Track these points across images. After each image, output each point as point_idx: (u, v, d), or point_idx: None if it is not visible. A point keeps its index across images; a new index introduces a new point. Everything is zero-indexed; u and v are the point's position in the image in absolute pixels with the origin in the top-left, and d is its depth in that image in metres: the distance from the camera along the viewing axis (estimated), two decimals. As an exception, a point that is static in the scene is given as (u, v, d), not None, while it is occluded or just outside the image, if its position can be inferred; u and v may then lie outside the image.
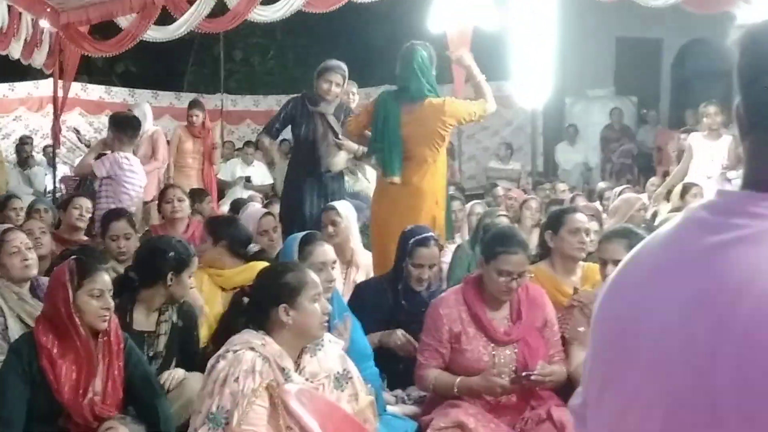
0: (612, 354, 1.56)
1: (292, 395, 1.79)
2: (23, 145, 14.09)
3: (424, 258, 6.19)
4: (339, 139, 8.15)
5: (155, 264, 5.55)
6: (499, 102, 8.13)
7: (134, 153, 9.84)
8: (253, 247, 6.60)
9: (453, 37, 11.18)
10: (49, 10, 10.62)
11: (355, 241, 7.14)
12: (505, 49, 10.06)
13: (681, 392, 1.40)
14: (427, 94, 7.47)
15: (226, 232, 6.62)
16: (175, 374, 5.31)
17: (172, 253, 5.69)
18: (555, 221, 6.45)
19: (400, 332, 5.80)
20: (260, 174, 14.53)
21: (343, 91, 8.27)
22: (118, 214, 7.46)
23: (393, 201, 7.43)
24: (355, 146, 8.13)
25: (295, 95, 8.63)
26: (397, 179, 7.38)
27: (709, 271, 1.41)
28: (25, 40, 10.64)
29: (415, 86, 7.46)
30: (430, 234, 6.39)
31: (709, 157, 10.53)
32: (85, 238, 8.26)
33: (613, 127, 18.10)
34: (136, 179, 9.23)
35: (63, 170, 13.65)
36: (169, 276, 5.44)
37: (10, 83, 16.82)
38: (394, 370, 5.92)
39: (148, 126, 12.35)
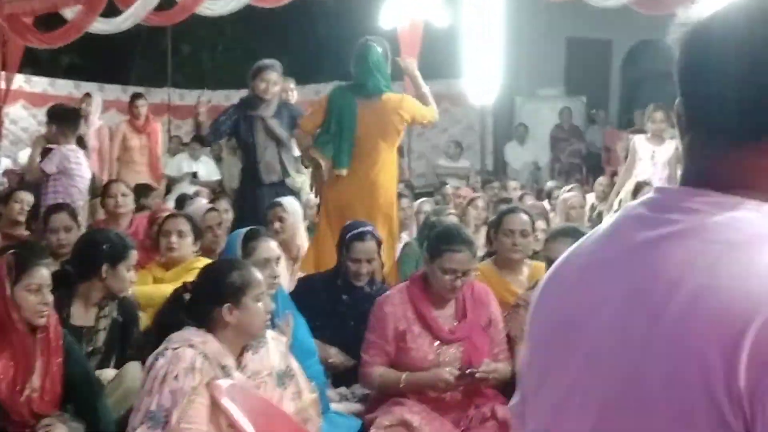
0: (549, 349, 1.57)
1: (223, 391, 1.77)
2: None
3: (361, 252, 6.25)
4: (285, 144, 8.18)
5: (90, 256, 5.56)
6: (449, 100, 8.25)
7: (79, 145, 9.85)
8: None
9: (404, 33, 11.22)
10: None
11: (302, 237, 7.13)
12: (456, 47, 10.12)
13: (615, 386, 1.41)
14: (384, 90, 7.54)
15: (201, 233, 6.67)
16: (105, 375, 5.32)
17: (106, 245, 5.69)
18: (496, 222, 6.53)
19: (334, 350, 5.81)
20: (207, 169, 14.50)
21: (281, 88, 8.23)
22: (59, 206, 7.47)
23: (345, 194, 7.49)
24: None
25: (229, 110, 8.59)
26: (344, 172, 7.45)
27: (643, 267, 1.42)
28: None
29: (372, 83, 7.53)
30: (367, 228, 6.46)
31: (651, 160, 10.66)
32: (27, 233, 8.21)
33: (562, 127, 18.27)
34: (84, 172, 9.24)
35: (5, 163, 13.55)
36: (104, 268, 5.41)
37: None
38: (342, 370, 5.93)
39: (96, 119, 12.36)
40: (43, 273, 4.87)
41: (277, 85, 8.12)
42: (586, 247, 1.60)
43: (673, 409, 1.31)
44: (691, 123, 1.50)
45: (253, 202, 8.11)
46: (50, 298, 4.88)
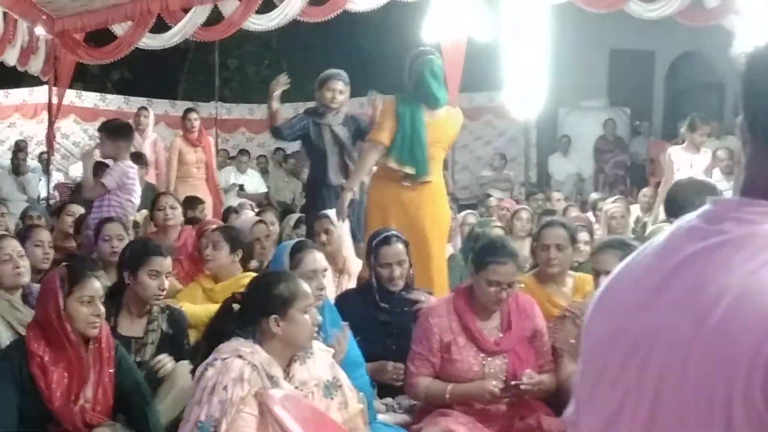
0: (604, 359, 1.58)
1: (276, 400, 1.79)
2: (18, 151, 14.04)
3: (389, 256, 6.21)
4: (348, 152, 8.18)
5: (119, 265, 5.71)
6: (492, 112, 8.25)
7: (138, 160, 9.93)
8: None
9: (447, 46, 11.19)
10: (44, 17, 10.61)
11: (348, 249, 7.14)
12: (499, 60, 10.07)
13: (662, 392, 1.43)
14: (446, 103, 7.59)
15: (244, 244, 6.64)
16: (165, 361, 5.34)
17: (126, 252, 5.83)
18: (536, 235, 6.53)
19: (390, 365, 5.74)
20: (254, 182, 14.53)
21: (346, 98, 8.21)
22: (111, 218, 7.51)
23: (405, 202, 7.46)
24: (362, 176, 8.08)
25: (300, 114, 8.54)
26: (429, 178, 7.46)
27: (693, 275, 1.44)
28: (21, 47, 10.62)
29: (441, 94, 7.54)
30: (392, 232, 6.44)
31: (690, 169, 10.56)
32: (77, 245, 8.23)
33: (606, 138, 18.18)
34: (137, 187, 9.27)
35: (57, 177, 13.63)
36: (126, 275, 5.49)
37: (5, 90, 16.86)
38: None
39: (151, 132, 12.44)
40: (95, 285, 4.90)
41: (343, 93, 8.09)
42: (641, 259, 1.60)
43: (703, 411, 1.34)
44: (753, 136, 1.50)
45: (322, 203, 8.05)
46: (102, 309, 4.91)
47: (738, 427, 1.30)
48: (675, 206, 4.74)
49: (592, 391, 1.60)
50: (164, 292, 5.68)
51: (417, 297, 6.33)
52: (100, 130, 9.86)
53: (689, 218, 1.55)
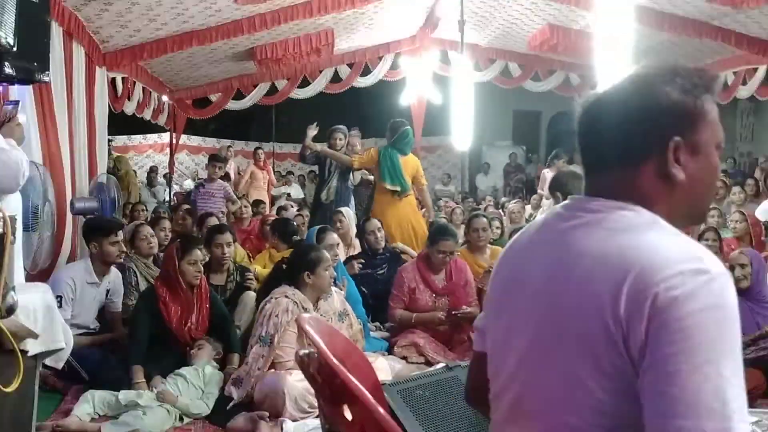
0: (503, 294, 1.55)
1: (306, 321, 1.80)
2: (151, 173, 14.03)
3: (369, 227, 6.49)
4: (345, 177, 8.16)
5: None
6: (442, 148, 8.25)
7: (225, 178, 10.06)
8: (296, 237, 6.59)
9: (415, 106, 11.22)
10: (168, 90, 10.60)
11: (353, 231, 7.11)
12: (447, 114, 9.99)
13: (543, 316, 1.39)
14: (409, 151, 7.64)
15: (280, 230, 6.63)
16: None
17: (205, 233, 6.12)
18: (468, 223, 6.47)
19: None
20: (296, 191, 14.61)
21: (345, 142, 8.15)
22: (210, 213, 7.59)
23: (396, 207, 7.43)
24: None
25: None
26: (410, 193, 7.51)
27: (562, 244, 1.41)
28: (153, 108, 10.60)
29: (408, 150, 7.59)
30: (369, 217, 6.86)
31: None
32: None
33: (510, 165, 18.20)
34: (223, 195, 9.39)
35: (175, 188, 13.63)
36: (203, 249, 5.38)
37: (144, 135, 16.87)
38: (376, 310, 5.84)
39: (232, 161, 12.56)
40: (198, 253, 4.89)
41: (341, 141, 7.99)
42: (527, 232, 1.57)
43: (579, 328, 1.31)
44: (587, 159, 1.49)
45: (322, 210, 8.03)
46: (201, 268, 4.92)
47: (593, 336, 1.28)
48: (559, 185, 4.74)
49: (497, 311, 1.56)
50: (226, 256, 5.61)
51: (394, 249, 6.55)
52: (209, 159, 10.01)
53: (556, 208, 1.53)
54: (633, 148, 1.40)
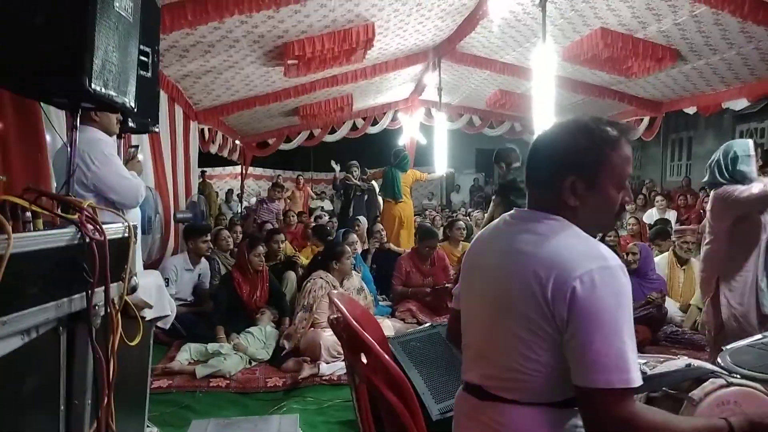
0: (469, 273, 1.52)
1: (334, 294, 1.79)
2: (228, 193, 13.95)
3: (374, 233, 6.55)
4: (361, 200, 8.11)
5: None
6: (428, 173, 8.24)
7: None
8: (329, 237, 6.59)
9: (407, 145, 11.20)
10: (239, 136, 10.59)
11: (365, 233, 7.10)
12: (430, 151, 10.00)
13: (495, 297, 1.37)
14: (408, 170, 7.56)
15: (318, 233, 6.61)
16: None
17: (264, 235, 6.04)
18: (448, 226, 6.43)
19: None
20: (327, 205, 14.51)
21: (359, 171, 8.14)
22: (267, 221, 7.56)
23: (396, 213, 7.37)
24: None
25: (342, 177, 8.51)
26: (402, 200, 7.43)
27: (508, 243, 1.38)
28: (228, 148, 10.55)
29: (407, 168, 7.53)
30: (377, 224, 6.90)
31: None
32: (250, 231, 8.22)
33: (474, 186, 18.17)
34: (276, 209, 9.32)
35: (245, 203, 13.53)
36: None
37: (223, 167, 16.76)
38: (383, 287, 5.81)
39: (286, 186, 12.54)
40: (260, 248, 4.90)
41: (356, 170, 7.98)
42: (487, 230, 1.53)
43: (520, 306, 1.30)
44: (530, 179, 1.45)
45: (346, 218, 8.02)
46: (262, 258, 4.91)
47: (531, 312, 1.28)
48: (513, 189, 4.72)
49: (466, 285, 1.54)
50: (279, 250, 5.65)
51: (390, 248, 6.48)
52: (282, 183, 10.12)
53: (505, 216, 1.49)
54: (552, 176, 1.38)
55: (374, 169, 8.18)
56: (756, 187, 2.97)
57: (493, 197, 4.97)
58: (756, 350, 1.82)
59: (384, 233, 6.51)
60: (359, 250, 6.09)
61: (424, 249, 5.38)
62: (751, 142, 3.26)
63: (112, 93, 1.76)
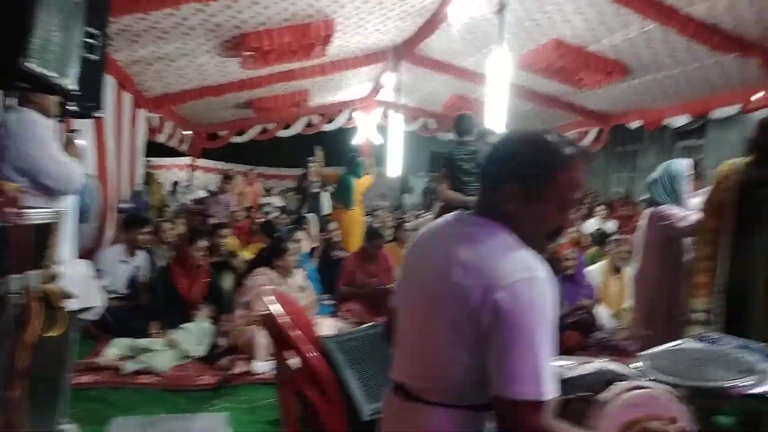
0: (407, 272, 1.51)
1: (266, 292, 1.77)
2: (174, 185, 13.64)
3: (330, 233, 6.38)
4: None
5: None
6: (381, 176, 8.29)
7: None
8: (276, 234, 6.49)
9: (363, 145, 11.21)
10: (190, 126, 10.35)
11: (315, 230, 7.04)
12: (385, 152, 10.03)
13: (427, 298, 1.38)
14: (362, 175, 7.51)
15: (265, 228, 6.51)
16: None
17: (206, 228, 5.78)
18: (397, 228, 6.47)
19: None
20: (278, 201, 14.11)
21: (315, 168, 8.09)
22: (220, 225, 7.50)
23: (347, 220, 7.27)
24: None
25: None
26: (353, 208, 7.35)
27: (444, 248, 1.38)
28: (179, 138, 10.27)
29: (362, 174, 7.48)
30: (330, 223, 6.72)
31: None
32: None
33: (427, 188, 18.15)
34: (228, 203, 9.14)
35: (193, 196, 13.18)
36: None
37: (171, 158, 16.23)
38: (328, 285, 5.78)
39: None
40: (202, 242, 4.81)
41: (314, 166, 7.96)
42: (424, 234, 1.53)
43: (450, 311, 1.30)
44: (481, 182, 1.44)
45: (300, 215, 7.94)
46: (204, 253, 4.82)
47: (459, 318, 1.28)
48: (454, 164, 4.87)
49: (403, 285, 1.52)
50: (222, 245, 5.49)
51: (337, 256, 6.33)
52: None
53: (447, 217, 1.49)
54: (499, 181, 1.38)
55: (328, 167, 8.16)
56: (693, 216, 3.07)
57: (441, 169, 4.98)
58: (672, 355, 1.90)
59: (337, 232, 6.47)
60: (307, 249, 6.04)
61: (370, 249, 5.38)
62: (688, 161, 3.39)
63: (51, 74, 1.70)
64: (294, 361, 1.49)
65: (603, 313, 4.89)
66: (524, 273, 1.25)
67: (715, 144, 9.65)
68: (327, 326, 4.20)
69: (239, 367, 3.78)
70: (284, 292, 2.18)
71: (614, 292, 5.11)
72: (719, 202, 2.71)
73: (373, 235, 5.45)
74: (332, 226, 6.42)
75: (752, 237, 2.57)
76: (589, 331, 4.54)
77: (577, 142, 1.43)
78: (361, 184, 7.49)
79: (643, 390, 1.49)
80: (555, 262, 4.62)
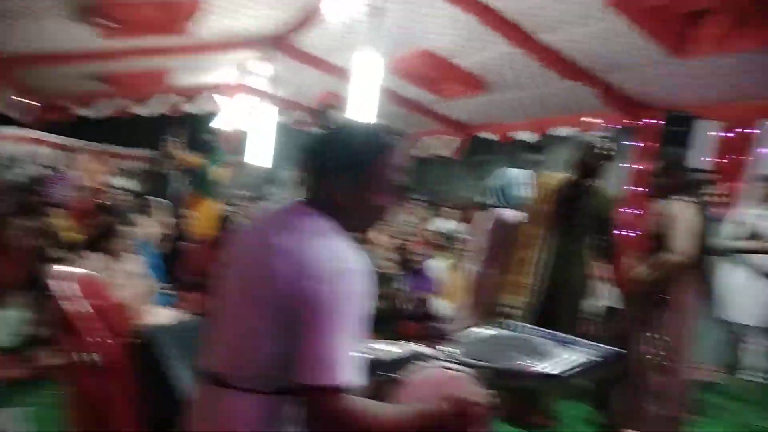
0: (224, 261, 1.51)
1: (73, 273, 1.62)
2: (10, 159, 11.89)
3: None
4: None
5: None
6: (245, 165, 8.05)
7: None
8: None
9: (227, 133, 10.74)
10: (33, 95, 9.27)
11: (163, 215, 6.65)
12: (253, 142, 9.66)
13: (243, 279, 1.39)
14: (220, 162, 7.39)
15: (102, 211, 5.99)
16: None
17: None
18: None
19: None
20: (130, 184, 13.01)
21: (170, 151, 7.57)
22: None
23: (203, 210, 6.86)
24: None
25: None
26: (210, 196, 7.07)
27: (264, 236, 1.40)
28: (20, 108, 9.12)
29: (221, 160, 7.44)
30: None
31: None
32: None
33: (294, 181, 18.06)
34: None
35: (34, 172, 11.55)
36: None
37: (12, 128, 14.23)
38: (175, 275, 5.50)
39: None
40: (22, 221, 4.34)
41: (170, 149, 7.46)
42: (254, 220, 1.57)
43: (263, 298, 1.33)
44: (307, 172, 1.48)
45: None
46: (26, 235, 4.32)
47: (271, 305, 1.31)
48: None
49: (222, 275, 1.51)
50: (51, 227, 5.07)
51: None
52: None
53: (274, 206, 1.53)
54: (325, 172, 1.44)
55: (191, 152, 7.76)
56: (520, 220, 3.38)
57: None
58: (478, 340, 2.04)
59: (189, 220, 6.18)
60: (156, 235, 5.71)
61: (222, 239, 5.19)
62: (525, 172, 3.75)
63: None
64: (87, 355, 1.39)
65: (443, 306, 5.28)
66: (334, 263, 1.30)
67: (554, 159, 10.60)
68: (162, 316, 3.99)
69: (47, 360, 3.45)
70: (96, 277, 1.99)
71: (455, 287, 5.48)
72: (539, 210, 3.02)
73: (227, 224, 5.26)
74: (185, 213, 6.11)
75: (564, 244, 2.91)
76: (426, 322, 4.88)
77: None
78: (219, 172, 7.22)
79: (442, 370, 1.61)
80: (405, 258, 4.95)
